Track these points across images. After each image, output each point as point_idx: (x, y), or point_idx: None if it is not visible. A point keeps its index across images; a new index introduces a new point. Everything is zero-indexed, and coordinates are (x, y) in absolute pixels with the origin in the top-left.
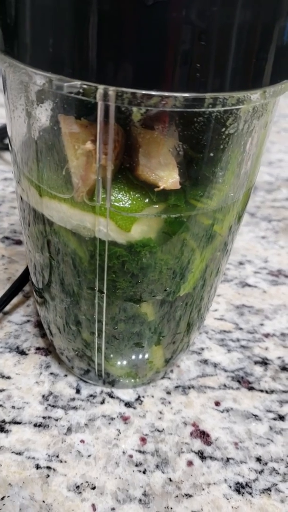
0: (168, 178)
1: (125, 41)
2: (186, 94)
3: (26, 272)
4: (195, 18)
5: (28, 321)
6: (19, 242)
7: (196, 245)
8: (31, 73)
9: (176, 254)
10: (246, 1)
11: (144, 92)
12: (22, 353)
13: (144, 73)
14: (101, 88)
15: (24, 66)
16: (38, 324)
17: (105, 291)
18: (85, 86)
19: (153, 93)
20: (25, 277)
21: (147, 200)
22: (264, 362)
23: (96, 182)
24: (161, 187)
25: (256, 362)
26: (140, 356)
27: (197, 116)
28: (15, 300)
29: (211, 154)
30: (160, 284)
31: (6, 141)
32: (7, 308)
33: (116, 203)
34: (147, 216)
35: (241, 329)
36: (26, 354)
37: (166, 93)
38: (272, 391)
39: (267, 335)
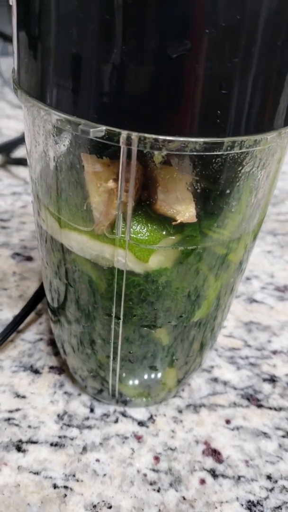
0: (185, 212)
1: (148, 90)
2: (206, 139)
3: (39, 291)
4: (217, 69)
5: (41, 339)
6: (29, 258)
7: (211, 273)
8: (55, 115)
9: (192, 282)
10: (263, 53)
11: (165, 137)
12: (36, 372)
13: (166, 120)
14: (124, 133)
15: (48, 108)
16: (51, 343)
17: (121, 317)
18: (109, 131)
19: (174, 138)
20: (38, 295)
21: (164, 232)
22: (272, 380)
23: (117, 217)
24: (179, 221)
25: (264, 380)
26: (153, 377)
27: (215, 157)
28: (28, 318)
29: (227, 191)
30: (175, 310)
31: (14, 155)
32: (21, 326)
33: (134, 236)
34: (164, 248)
35: (249, 346)
36: (40, 373)
37: (187, 139)
38: (280, 408)
39: (274, 352)
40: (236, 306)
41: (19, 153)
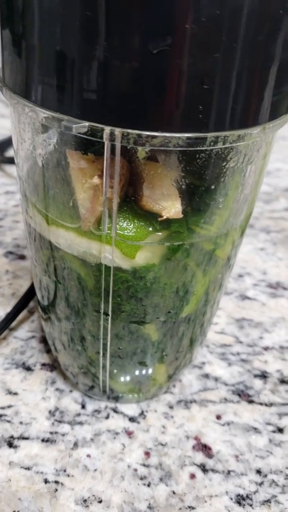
0: (171, 208)
1: (130, 85)
2: (189, 135)
3: (31, 289)
4: (198, 64)
5: (33, 336)
6: (22, 257)
7: (199, 268)
8: (39, 112)
9: (179, 278)
10: (245, 48)
11: (148, 133)
12: (28, 369)
13: (149, 115)
14: (107, 129)
15: (33, 105)
16: (43, 340)
17: (110, 314)
18: (92, 127)
19: (157, 134)
20: (30, 293)
21: (150, 228)
22: (263, 375)
23: (103, 213)
24: (165, 217)
25: (255, 376)
26: (144, 373)
27: (199, 153)
28: (20, 316)
29: (212, 186)
30: (163, 306)
31: (7, 153)
32: (13, 324)
33: (121, 232)
34: (151, 244)
35: (241, 342)
36: (32, 370)
37: (170, 134)
38: (271, 404)
39: (266, 348)
40: (228, 303)
41: (12, 152)
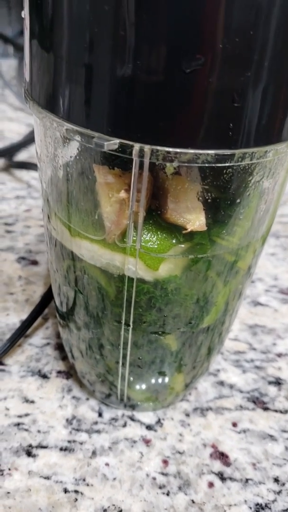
0: (196, 221)
1: (161, 103)
2: (218, 151)
3: (46, 296)
4: (230, 83)
5: (48, 343)
6: (35, 262)
7: (220, 280)
8: (68, 127)
9: (201, 289)
10: (274, 66)
11: (178, 150)
12: (44, 376)
13: (179, 133)
14: (137, 146)
15: (61, 121)
16: (58, 347)
17: (131, 324)
18: (122, 144)
19: (186, 151)
20: (45, 300)
21: (174, 241)
22: (277, 382)
23: (128, 226)
24: (189, 230)
25: (270, 382)
26: (162, 382)
27: (225, 168)
28: (34, 323)
29: (238, 200)
30: (184, 317)
31: (17, 158)
32: (28, 331)
33: (145, 244)
34: (174, 256)
35: (254, 349)
36: (48, 378)
37: (199, 151)
38: (286, 411)
39: (279, 355)
40: (240, 309)
41: (22, 156)
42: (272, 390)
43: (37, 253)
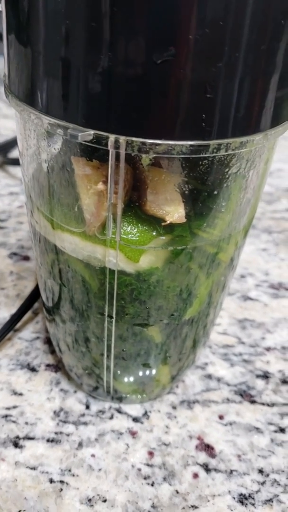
0: (174, 212)
1: (135, 95)
2: (192, 142)
3: (36, 290)
4: (201, 74)
5: (38, 337)
6: (27, 258)
7: (202, 271)
8: (45, 119)
9: (183, 281)
10: (246, 57)
11: (152, 141)
12: (33, 370)
13: (153, 124)
14: (112, 137)
15: (38, 113)
16: (47, 341)
17: (114, 316)
18: (97, 135)
19: (161, 142)
20: (35, 294)
21: (154, 233)
22: (265, 376)
23: (107, 218)
24: (168, 221)
25: (257, 376)
26: (147, 374)
27: (202, 159)
28: (24, 317)
29: (215, 192)
30: (167, 309)
31: (11, 155)
32: (18, 325)
33: (125, 236)
34: (155, 248)
35: (243, 343)
36: (37, 371)
37: (173, 142)
38: (273, 404)
39: (268, 349)
40: (230, 304)
41: (16, 153)
42: (260, 383)
43: (29, 248)
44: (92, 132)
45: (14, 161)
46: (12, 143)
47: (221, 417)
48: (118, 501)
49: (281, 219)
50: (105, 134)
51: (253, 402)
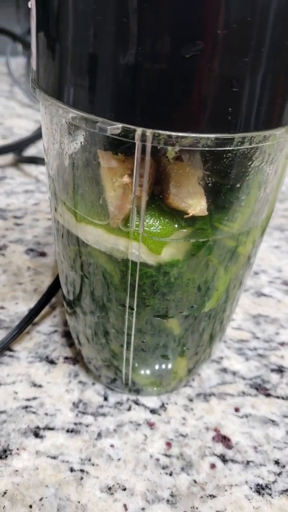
0: (197, 205)
1: (162, 88)
2: (218, 135)
3: (53, 285)
4: (228, 68)
5: (56, 331)
6: (43, 254)
7: (221, 265)
8: (73, 113)
9: (202, 274)
10: (272, 52)
11: (179, 134)
12: (52, 362)
13: (179, 117)
14: (139, 130)
15: (66, 107)
16: (65, 334)
17: (135, 308)
18: (125, 128)
19: (187, 134)
20: (52, 290)
21: (176, 225)
22: (280, 370)
23: (131, 211)
24: (190, 214)
25: (272, 370)
26: (165, 367)
27: (225, 153)
28: (42, 312)
29: (237, 185)
30: (187, 301)
31: (26, 153)
32: (36, 319)
33: (148, 229)
34: (177, 241)
35: (257, 338)
36: (55, 363)
37: (199, 135)
38: None
39: (282, 344)
40: (244, 300)
41: (30, 151)
42: (275, 377)
43: (45, 245)
44: (120, 125)
45: (29, 159)
46: (26, 142)
47: (237, 410)
48: (137, 489)
49: None
50: (133, 127)
51: (268, 395)
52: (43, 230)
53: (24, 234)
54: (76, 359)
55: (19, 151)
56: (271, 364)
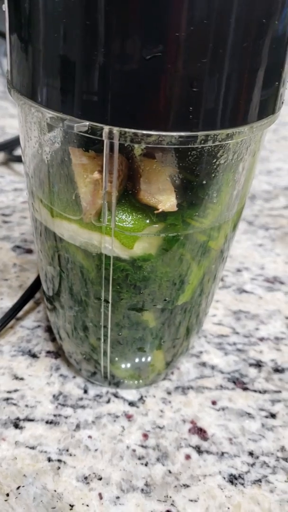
0: (167, 201)
1: (127, 88)
2: (181, 133)
3: (37, 280)
4: (187, 69)
5: (39, 326)
6: (29, 251)
7: (193, 259)
8: (45, 112)
9: (175, 268)
10: (231, 54)
11: (144, 132)
12: (34, 356)
13: (144, 115)
14: (106, 128)
15: (38, 106)
16: (48, 329)
17: (110, 301)
18: (92, 126)
19: (151, 132)
20: (36, 285)
21: (148, 221)
22: (258, 364)
23: (103, 206)
24: (160, 210)
25: (251, 364)
26: (143, 360)
27: (190, 150)
28: (26, 307)
29: (204, 182)
30: (160, 294)
31: (16, 152)
32: (20, 314)
33: (120, 224)
34: (148, 235)
35: (237, 333)
36: (38, 357)
37: (163, 133)
38: (265, 391)
39: (261, 339)
40: (226, 296)
41: (20, 150)
42: (252, 371)
43: (32, 242)
44: (87, 123)
45: (19, 158)
46: (16, 141)
47: (214, 403)
48: (113, 479)
49: (278, 216)
50: (100, 125)
51: (245, 389)
52: (31, 227)
53: (12, 231)
54: (58, 353)
55: (9, 150)
56: (249, 358)
